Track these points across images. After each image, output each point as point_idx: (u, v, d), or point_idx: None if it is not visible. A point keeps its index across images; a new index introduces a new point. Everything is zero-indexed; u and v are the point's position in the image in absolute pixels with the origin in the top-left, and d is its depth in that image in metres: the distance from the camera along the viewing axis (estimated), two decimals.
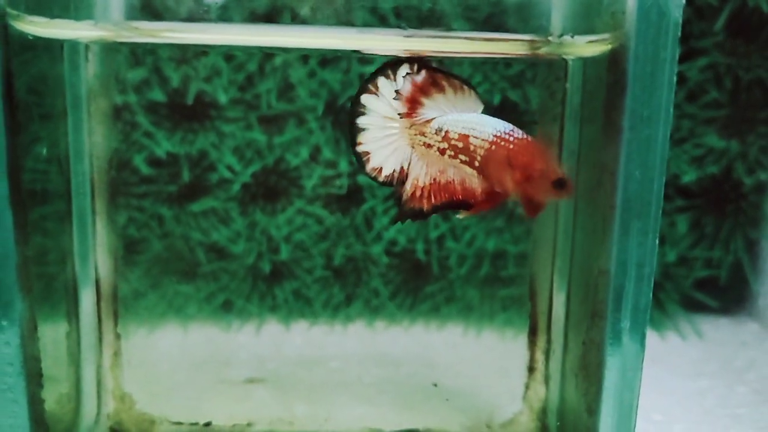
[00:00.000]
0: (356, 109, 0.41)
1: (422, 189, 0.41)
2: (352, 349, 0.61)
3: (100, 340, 0.47)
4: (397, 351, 0.61)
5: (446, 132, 0.40)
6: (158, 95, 0.59)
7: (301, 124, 0.61)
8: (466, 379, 0.54)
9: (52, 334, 0.42)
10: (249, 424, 0.50)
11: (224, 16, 0.48)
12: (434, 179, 0.41)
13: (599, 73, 0.39)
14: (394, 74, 0.41)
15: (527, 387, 0.49)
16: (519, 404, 0.50)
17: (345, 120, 0.43)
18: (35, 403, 0.38)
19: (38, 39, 0.38)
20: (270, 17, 0.51)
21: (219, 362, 0.57)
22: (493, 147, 0.38)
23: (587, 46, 0.37)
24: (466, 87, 0.40)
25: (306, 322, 0.64)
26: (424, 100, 0.40)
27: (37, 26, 0.37)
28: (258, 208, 0.63)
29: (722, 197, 0.72)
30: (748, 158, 0.71)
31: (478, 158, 0.39)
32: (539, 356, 0.48)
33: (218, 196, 0.62)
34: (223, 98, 0.60)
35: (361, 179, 0.64)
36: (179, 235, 0.61)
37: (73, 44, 0.43)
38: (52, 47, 0.41)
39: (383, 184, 0.42)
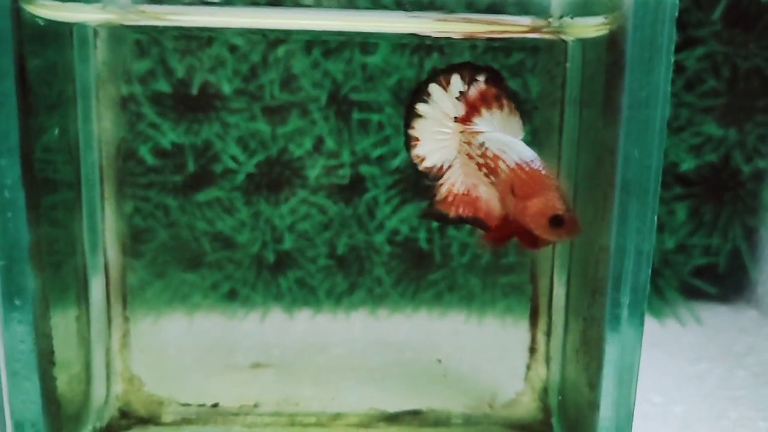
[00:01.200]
0: (420, 94, 0.42)
1: (455, 196, 0.42)
2: (356, 336, 0.62)
3: (109, 323, 0.48)
4: (401, 337, 0.62)
5: (486, 148, 0.40)
6: (163, 86, 0.60)
7: (304, 115, 0.62)
8: (469, 363, 0.54)
9: (63, 318, 0.43)
10: (256, 405, 0.51)
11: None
12: (468, 191, 0.41)
13: (598, 55, 0.40)
14: (470, 77, 0.41)
15: (528, 368, 0.50)
16: (521, 384, 0.50)
17: (406, 99, 0.42)
18: (47, 380, 0.39)
19: (48, 25, 0.38)
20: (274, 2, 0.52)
21: (225, 348, 0.58)
22: (509, 173, 0.38)
23: (586, 27, 0.38)
24: (518, 112, 0.40)
25: (310, 310, 0.65)
26: (483, 111, 0.40)
27: (48, 9, 0.37)
28: (262, 198, 0.64)
29: (720, 185, 0.73)
30: (746, 146, 0.72)
31: (497, 182, 0.39)
32: (540, 338, 0.49)
33: (223, 186, 0.63)
34: (227, 89, 0.61)
35: (364, 169, 0.65)
36: (185, 225, 0.62)
37: (82, 31, 0.43)
38: (61, 34, 0.41)
39: (421, 173, 0.42)
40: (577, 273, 0.44)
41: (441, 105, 0.41)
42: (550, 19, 0.41)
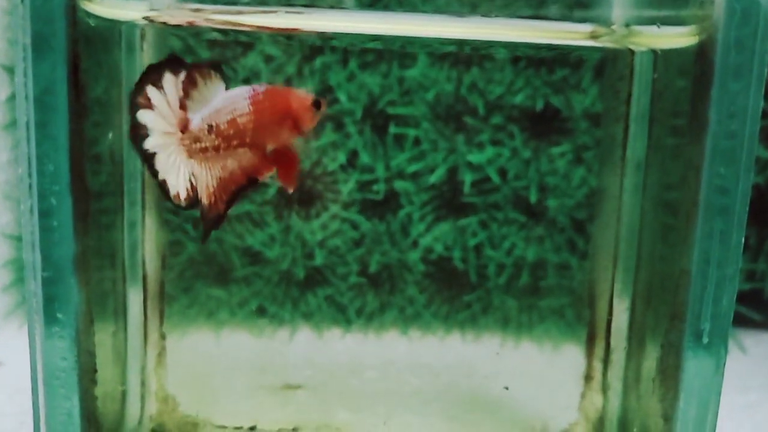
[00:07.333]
0: (138, 130, 0.38)
1: (213, 194, 0.39)
2: (390, 359, 0.60)
3: (145, 339, 0.46)
4: (438, 361, 0.60)
5: (216, 125, 0.37)
6: None
7: (338, 128, 0.61)
8: (515, 389, 0.52)
9: (100, 333, 0.41)
10: (294, 429, 0.49)
11: None
12: (220, 178, 0.38)
13: (674, 66, 0.38)
14: (161, 81, 0.37)
15: (583, 396, 0.48)
16: (574, 414, 0.48)
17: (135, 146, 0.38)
18: (87, 400, 0.37)
19: (99, 25, 0.37)
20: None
21: (255, 367, 0.56)
22: (252, 116, 0.37)
23: (672, 38, 0.36)
24: (211, 70, 0.38)
25: (339, 329, 0.63)
26: (188, 102, 0.38)
27: (98, 5, 0.36)
28: (293, 213, 0.62)
29: (766, 208, 0.71)
30: None
31: (248, 132, 0.37)
32: (596, 364, 0.47)
33: (253, 200, 0.61)
34: None
35: (398, 185, 0.63)
36: (213, 239, 0.61)
37: (130, 33, 0.42)
38: (110, 36, 0.40)
39: (188, 207, 0.39)
40: (644, 299, 0.41)
41: (157, 127, 0.38)
42: (614, 27, 0.39)
